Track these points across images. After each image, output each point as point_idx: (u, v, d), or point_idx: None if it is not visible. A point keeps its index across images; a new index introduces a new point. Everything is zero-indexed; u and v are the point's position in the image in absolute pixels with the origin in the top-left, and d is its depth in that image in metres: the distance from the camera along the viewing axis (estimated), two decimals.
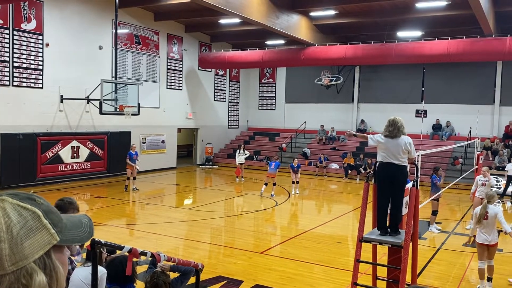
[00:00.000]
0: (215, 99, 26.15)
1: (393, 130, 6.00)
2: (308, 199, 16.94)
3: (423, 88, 23.63)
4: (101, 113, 16.61)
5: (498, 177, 18.12)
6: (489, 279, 7.66)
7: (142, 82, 20.41)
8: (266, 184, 15.79)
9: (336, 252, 9.67)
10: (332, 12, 18.65)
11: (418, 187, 6.23)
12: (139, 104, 17.75)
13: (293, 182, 16.82)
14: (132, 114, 17.40)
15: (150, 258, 3.95)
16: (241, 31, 22.44)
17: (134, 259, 3.75)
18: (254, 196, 16.25)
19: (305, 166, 22.07)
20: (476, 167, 16.74)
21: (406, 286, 5.65)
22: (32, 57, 16.29)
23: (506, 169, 17.38)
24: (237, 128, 28.23)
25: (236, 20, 18.96)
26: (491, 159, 20.00)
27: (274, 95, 28.07)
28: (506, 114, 21.95)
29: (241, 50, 23.08)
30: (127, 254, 3.49)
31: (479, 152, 17.48)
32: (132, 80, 19.68)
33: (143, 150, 20.79)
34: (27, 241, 0.94)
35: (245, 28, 20.72)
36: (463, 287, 7.86)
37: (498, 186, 17.99)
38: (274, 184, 16.03)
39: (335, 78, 23.72)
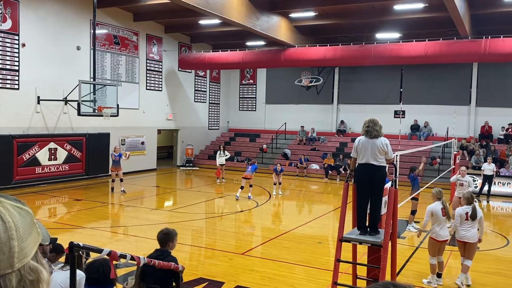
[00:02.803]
0: (195, 100, 26.05)
1: (371, 131, 6.08)
2: (288, 200, 17.00)
3: (401, 89, 23.99)
4: (79, 114, 16.38)
5: (475, 177, 18.49)
6: (439, 275, 7.93)
7: (121, 83, 20.19)
8: (242, 188, 15.76)
9: (316, 252, 9.72)
10: (311, 14, 18.78)
11: (397, 187, 6.31)
12: (118, 105, 17.56)
13: (275, 184, 16.89)
14: (111, 115, 17.20)
15: (130, 261, 3.91)
16: (221, 32, 22.41)
17: (114, 262, 3.71)
18: (234, 197, 16.23)
19: (286, 167, 22.13)
20: (453, 166, 17.08)
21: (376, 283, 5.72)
22: (8, 58, 15.96)
23: (482, 168, 17.74)
24: (218, 129, 28.17)
25: (216, 21, 18.92)
26: (467, 159, 20.39)
27: (254, 96, 28.10)
28: (482, 115, 22.42)
29: (221, 51, 23.05)
30: (107, 257, 3.45)
31: (456, 152, 17.85)
32: (111, 81, 19.46)
33: (122, 151, 20.55)
34: (28, 239, 0.98)
35: (225, 29, 20.70)
36: (441, 285, 7.98)
37: (474, 185, 18.37)
38: (251, 186, 16.03)
39: (315, 79, 23.88)
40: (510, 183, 18.26)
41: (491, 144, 21.19)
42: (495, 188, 17.97)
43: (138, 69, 21.62)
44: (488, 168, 17.35)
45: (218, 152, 20.51)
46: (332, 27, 21.31)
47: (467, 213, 7.75)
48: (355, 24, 20.45)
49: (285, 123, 26.08)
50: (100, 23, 18.93)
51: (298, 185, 20.51)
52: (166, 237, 4.83)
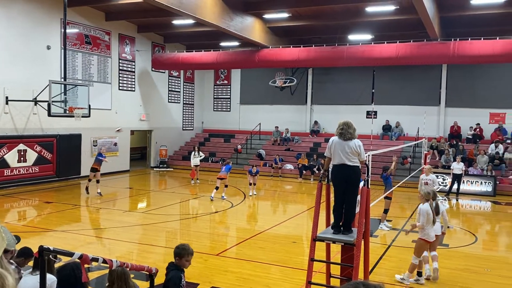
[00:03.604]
0: (169, 100, 25.84)
1: (345, 133, 6.18)
2: (263, 200, 17.04)
3: (373, 90, 24.36)
4: (49, 115, 16.03)
5: (444, 175, 18.95)
6: (420, 274, 8.13)
7: (93, 83, 19.86)
8: (217, 188, 15.72)
9: (291, 252, 9.78)
10: (285, 15, 18.89)
11: (369, 186, 6.41)
12: (89, 105, 17.27)
13: (250, 184, 16.92)
14: (82, 116, 16.90)
15: (102, 264, 3.86)
16: (195, 32, 22.30)
17: (86, 266, 3.65)
18: (209, 198, 16.17)
19: (260, 167, 22.19)
20: (424, 166, 17.45)
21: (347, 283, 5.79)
22: None
23: (451, 167, 18.17)
24: (192, 130, 28.02)
25: (190, 21, 18.83)
26: (437, 158, 20.87)
27: (229, 96, 28.07)
28: (451, 115, 22.99)
29: (195, 51, 22.95)
30: (78, 260, 3.39)
31: (426, 152, 18.23)
32: (82, 81, 19.12)
33: (94, 153, 20.20)
34: None
35: (199, 29, 20.61)
36: (423, 284, 8.13)
37: (444, 184, 18.83)
38: (226, 186, 16.01)
39: (289, 80, 24.03)
40: (478, 182, 18.78)
41: (460, 143, 21.76)
42: (464, 187, 18.44)
43: (111, 69, 21.31)
44: (457, 167, 17.80)
45: (193, 153, 20.40)
46: (305, 28, 21.48)
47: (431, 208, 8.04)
48: (328, 26, 20.67)
49: (260, 124, 26.15)
50: (71, 22, 18.57)
51: (272, 185, 20.59)
52: (176, 251, 4.81)
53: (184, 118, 27.22)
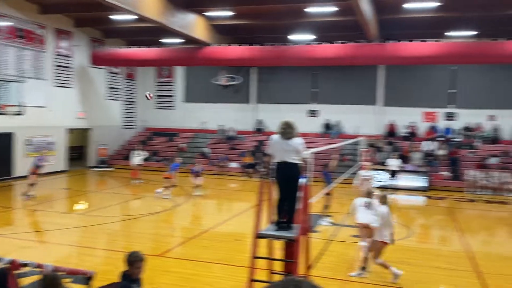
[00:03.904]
0: (109, 97, 25.06)
1: (288, 131, 6.29)
2: (208, 199, 16.94)
3: (315, 90, 24.90)
4: None
5: (382, 172, 19.71)
6: (364, 268, 8.47)
7: (26, 79, 18.86)
8: (165, 187, 15.48)
9: (235, 250, 9.80)
10: (228, 13, 18.85)
11: (310, 183, 6.55)
12: (22, 103, 16.39)
13: (194, 183, 16.65)
14: (15, 114, 16.02)
15: (35, 269, 3.68)
16: (136, 28, 21.71)
17: (16, 271, 3.46)
18: (152, 198, 15.87)
19: (205, 166, 22.03)
20: (362, 163, 18.05)
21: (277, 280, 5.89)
22: None
23: (388, 164, 18.92)
24: (134, 128, 27.35)
25: (131, 17, 18.34)
26: (375, 155, 21.65)
27: (172, 94, 27.65)
28: (388, 114, 23.93)
29: (136, 47, 22.40)
30: (7, 266, 3.21)
31: (364, 149, 18.89)
32: (14, 77, 18.10)
33: (28, 152, 19.22)
34: None
35: (140, 25, 20.09)
36: (353, 277, 8.40)
37: (383, 180, 19.59)
38: (172, 185, 15.79)
39: (233, 79, 24.04)
40: (413, 177, 19.68)
41: (396, 141, 22.73)
42: (399, 182, 19.27)
43: (45, 65, 20.34)
44: (393, 163, 18.57)
45: (134, 152, 19.92)
46: (249, 27, 21.57)
47: (364, 203, 9.00)
48: (271, 25, 20.87)
49: (204, 122, 25.97)
50: (2, 15, 17.55)
51: (217, 183, 20.53)
52: (126, 259, 4.64)
53: (125, 116, 26.51)
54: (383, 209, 8.31)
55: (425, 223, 14.06)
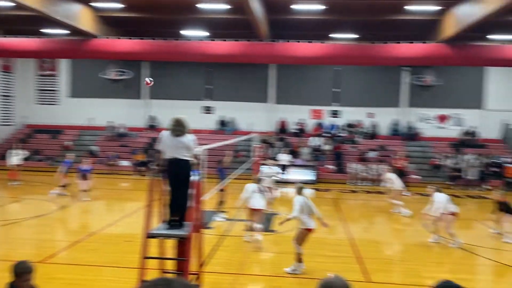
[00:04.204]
0: None
1: (178, 129, 6.20)
2: (97, 200, 16.10)
3: (210, 86, 24.95)
4: None
5: (274, 167, 20.38)
6: (301, 260, 8.59)
7: None
8: (60, 186, 14.43)
9: (125, 251, 9.46)
10: (118, 5, 18.08)
11: (202, 180, 6.55)
12: None
13: (81, 184, 15.46)
14: None
15: None
16: (14, 16, 19.87)
17: None
18: (34, 200, 14.70)
19: (93, 165, 20.94)
20: (255, 158, 18.51)
21: (149, 280, 5.86)
22: None
23: (278, 159, 19.61)
24: (12, 125, 25.06)
25: (7, 3, 16.72)
26: (268, 151, 22.34)
27: (56, 88, 25.82)
28: (279, 111, 24.83)
29: (13, 37, 20.49)
30: None
31: (257, 145, 19.38)
32: None
33: None
34: None
35: (18, 12, 18.43)
36: (245, 269, 8.59)
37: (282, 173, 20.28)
38: (64, 186, 14.77)
39: (123, 73, 23.13)
40: (302, 171, 20.66)
41: (286, 137, 23.69)
42: (289, 176, 20.10)
43: None
44: (284, 158, 19.32)
45: (12, 151, 18.26)
46: (140, 20, 20.85)
47: (257, 189, 10.16)
48: (163, 19, 20.41)
49: (91, 118, 24.65)
50: None
51: (107, 183, 19.63)
52: (13, 270, 4.19)
53: (1, 112, 24.18)
54: (300, 199, 8.60)
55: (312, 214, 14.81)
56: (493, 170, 20.83)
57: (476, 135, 23.29)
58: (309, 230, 8.58)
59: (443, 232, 10.59)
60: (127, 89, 24.45)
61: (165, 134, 6.31)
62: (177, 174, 6.19)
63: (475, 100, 23.90)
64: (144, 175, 21.14)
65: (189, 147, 6.20)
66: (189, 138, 6.24)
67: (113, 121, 24.61)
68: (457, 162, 21.01)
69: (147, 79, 16.63)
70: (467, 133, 23.39)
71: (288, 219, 8.89)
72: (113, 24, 20.56)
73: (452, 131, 24.03)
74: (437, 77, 21.71)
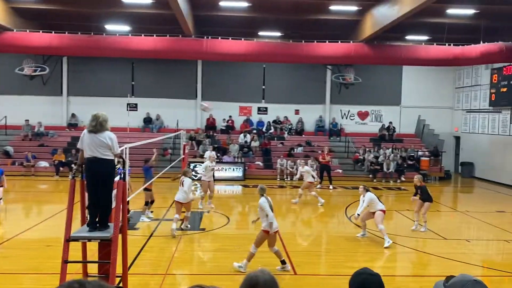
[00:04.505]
0: None
1: (95, 125, 5.95)
2: (12, 203, 15.09)
3: (133, 82, 24.26)
4: None
5: (200, 164, 20.26)
6: (284, 262, 8.50)
7: None
8: None
9: (45, 257, 8.96)
10: None
11: (126, 180, 6.35)
12: None
13: None
14: None
15: None
16: None
17: None
18: None
19: (9, 167, 19.63)
20: (183, 156, 18.30)
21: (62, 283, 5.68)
22: None
23: (205, 156, 19.42)
24: None
25: None
26: (196, 148, 22.16)
27: None
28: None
29: None
30: None
31: (185, 143, 19.17)
32: None
33: None
34: None
35: None
36: (173, 268, 8.46)
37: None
38: None
39: (40, 68, 21.80)
40: (230, 168, 20.73)
41: (215, 134, 23.63)
42: (219, 174, 20.08)
43: None
44: (210, 155, 19.23)
45: None
46: (58, 13, 19.76)
47: (182, 182, 10.78)
48: (83, 13, 19.49)
49: (5, 117, 23.00)
50: None
51: (24, 185, 18.49)
52: None
53: None
54: (261, 200, 8.45)
55: (242, 210, 14.93)
56: (410, 163, 22.18)
57: (394, 130, 24.65)
58: (266, 232, 8.30)
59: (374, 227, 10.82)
60: (45, 86, 23.07)
61: (85, 132, 6.04)
62: (97, 173, 5.93)
63: (393, 97, 25.31)
64: (65, 176, 20.11)
65: (109, 145, 5.95)
66: (108, 136, 5.98)
67: (29, 119, 23.16)
68: (377, 156, 22.12)
69: (203, 104, 16.45)
70: (386, 128, 24.70)
71: (256, 220, 8.80)
72: (28, 16, 19.33)
73: (372, 127, 25.29)
74: (358, 75, 22.70)
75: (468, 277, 2.16)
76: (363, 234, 10.98)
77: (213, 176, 15.02)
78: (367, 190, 10.87)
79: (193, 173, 14.50)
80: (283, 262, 8.45)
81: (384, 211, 10.57)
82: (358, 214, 10.72)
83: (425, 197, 11.62)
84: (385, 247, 9.97)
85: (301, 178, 16.28)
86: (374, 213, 10.52)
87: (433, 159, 22.75)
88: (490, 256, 10.49)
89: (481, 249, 10.88)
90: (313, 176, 15.59)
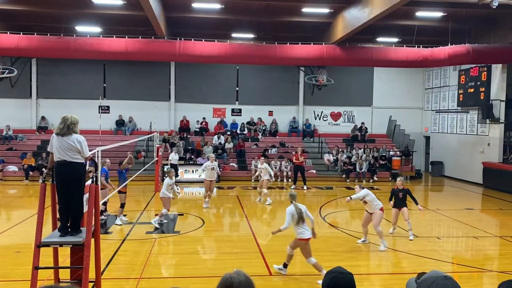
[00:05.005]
0: None
1: (63, 127, 5.86)
2: None
3: (104, 84, 23.92)
4: None
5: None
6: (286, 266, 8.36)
7: None
8: None
9: (14, 263, 8.76)
10: None
11: (98, 183, 6.26)
12: None
13: None
14: None
15: None
16: None
17: None
18: None
19: None
20: (157, 158, 18.14)
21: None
22: None
23: (169, 158, 19.27)
24: None
25: None
26: (169, 151, 21.98)
27: None
28: (180, 110, 24.57)
29: None
30: None
31: (158, 145, 19.01)
32: None
33: None
34: None
35: None
36: (148, 272, 8.38)
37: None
38: None
39: (7, 71, 21.23)
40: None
41: (189, 136, 23.51)
42: (192, 176, 19.98)
43: None
44: (175, 158, 19.15)
45: None
46: (26, 14, 19.30)
47: None
48: (52, 14, 19.08)
49: None
50: None
51: None
52: None
53: None
54: (288, 208, 8.17)
55: (216, 212, 14.89)
56: (382, 163, 22.57)
57: (366, 131, 25.03)
58: (304, 240, 7.99)
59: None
60: (13, 88, 22.46)
61: (54, 135, 5.93)
62: (67, 177, 5.83)
63: (365, 98, 25.70)
64: (35, 180, 19.67)
65: (77, 148, 5.86)
66: (76, 138, 5.88)
67: None
68: (350, 156, 22.42)
69: (327, 157, 16.41)
70: (358, 129, 25.05)
71: (280, 230, 8.29)
72: None
73: (345, 127, 25.62)
74: (331, 76, 22.95)
75: (439, 273, 2.23)
76: (364, 241, 10.47)
77: (217, 176, 16.15)
78: (363, 189, 10.33)
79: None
80: (284, 266, 8.34)
81: (382, 210, 10.08)
82: (351, 198, 10.18)
83: (400, 202, 10.93)
84: (380, 250, 9.82)
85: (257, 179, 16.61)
86: (372, 214, 10.09)
87: (404, 158, 23.21)
88: (459, 252, 10.77)
89: (451, 246, 11.17)
90: (270, 175, 15.78)
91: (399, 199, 10.98)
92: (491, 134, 20.71)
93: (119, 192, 11.98)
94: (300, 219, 7.96)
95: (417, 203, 11.04)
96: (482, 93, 20.59)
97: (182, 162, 20.66)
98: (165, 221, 12.21)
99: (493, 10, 13.58)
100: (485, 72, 20.53)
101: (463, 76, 22.09)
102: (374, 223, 10.02)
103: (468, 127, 22.31)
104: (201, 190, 18.95)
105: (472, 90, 21.31)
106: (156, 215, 12.14)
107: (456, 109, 23.08)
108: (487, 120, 20.58)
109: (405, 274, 8.49)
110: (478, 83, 20.89)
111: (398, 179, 11.36)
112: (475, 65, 20.69)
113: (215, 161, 15.65)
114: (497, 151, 20.29)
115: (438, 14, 17.89)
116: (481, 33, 19.41)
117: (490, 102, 20.22)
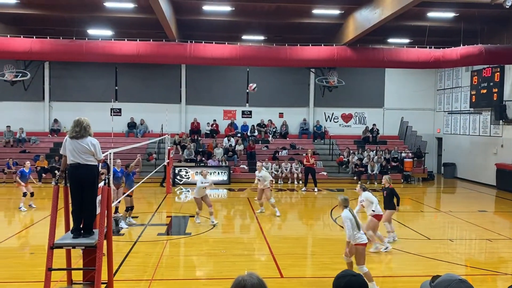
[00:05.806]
0: None
1: (79, 131, 5.91)
2: None
3: (116, 87, 24.09)
4: None
5: (185, 169, 20.19)
6: None
7: None
8: None
9: (29, 264, 8.85)
10: (12, 1, 16.82)
11: (111, 185, 6.31)
12: None
13: None
14: None
15: None
16: None
17: None
18: None
19: None
20: (168, 160, 18.22)
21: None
22: None
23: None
24: None
25: None
26: (180, 153, 22.08)
27: None
28: (191, 112, 24.66)
29: None
30: None
31: (169, 147, 19.10)
32: None
33: None
34: None
35: None
36: (159, 274, 8.41)
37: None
38: None
39: (21, 74, 21.51)
40: (216, 172, 20.67)
41: (199, 138, 23.58)
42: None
43: None
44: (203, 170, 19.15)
45: None
46: (38, 18, 19.55)
47: None
48: (64, 18, 19.33)
49: None
50: None
51: (5, 193, 18.22)
52: None
53: None
54: (344, 213, 7.65)
55: (227, 214, 14.90)
56: (393, 165, 22.41)
57: (378, 132, 24.89)
58: (363, 245, 7.65)
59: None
60: (26, 91, 22.76)
61: (67, 138, 5.99)
62: (80, 179, 5.88)
63: (376, 100, 25.56)
64: (48, 182, 19.86)
65: (91, 151, 5.91)
66: (90, 141, 5.94)
67: (10, 125, 22.83)
68: (361, 158, 22.30)
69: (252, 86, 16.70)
70: (369, 130, 24.92)
71: (348, 242, 7.68)
72: (8, 21, 19.10)
73: (356, 129, 25.50)
74: (342, 78, 22.87)
75: (454, 277, 2.20)
76: (377, 247, 10.02)
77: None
78: (364, 189, 10.08)
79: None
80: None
81: (379, 217, 9.84)
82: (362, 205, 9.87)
83: (387, 203, 10.54)
84: (370, 251, 9.68)
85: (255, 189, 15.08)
86: (375, 216, 9.76)
87: (416, 160, 23.03)
88: (473, 255, 10.65)
89: (464, 248, 11.05)
90: (271, 180, 14.49)
91: (384, 198, 10.68)
92: (504, 135, 20.47)
93: (126, 195, 12.03)
94: (357, 223, 7.57)
95: (398, 205, 10.55)
96: (495, 94, 20.37)
97: (193, 164, 20.72)
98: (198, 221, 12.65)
99: (506, 10, 13.45)
100: (498, 73, 20.31)
101: (476, 77, 21.87)
102: (366, 226, 9.60)
103: (481, 128, 22.08)
104: (213, 191, 19.01)
105: (484, 91, 21.09)
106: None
107: (469, 110, 22.85)
108: (500, 121, 20.34)
109: (418, 276, 8.42)
110: (491, 83, 20.67)
111: (384, 177, 11.09)
112: (488, 65, 20.47)
113: (209, 175, 14.41)
114: (511, 152, 20.05)
115: (450, 14, 17.75)
116: (494, 34, 19.22)
117: (504, 103, 19.99)
